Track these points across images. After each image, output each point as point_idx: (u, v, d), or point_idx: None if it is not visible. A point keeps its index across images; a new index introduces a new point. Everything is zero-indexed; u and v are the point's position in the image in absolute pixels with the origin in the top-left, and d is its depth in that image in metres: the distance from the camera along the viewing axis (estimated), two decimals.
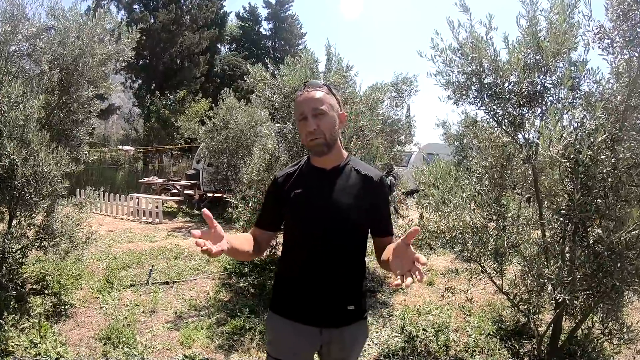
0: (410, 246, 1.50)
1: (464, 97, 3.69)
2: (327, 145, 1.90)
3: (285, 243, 2.07)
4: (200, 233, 1.42)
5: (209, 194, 13.66)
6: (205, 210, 1.49)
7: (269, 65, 6.04)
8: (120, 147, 24.37)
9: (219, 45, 33.03)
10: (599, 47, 3.08)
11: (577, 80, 3.24)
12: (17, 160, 4.02)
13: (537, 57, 3.26)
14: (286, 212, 1.99)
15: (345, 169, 2.00)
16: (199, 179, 14.03)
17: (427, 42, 3.63)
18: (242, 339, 4.38)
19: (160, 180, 15.23)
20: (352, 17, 76.41)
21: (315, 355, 2.06)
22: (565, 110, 2.97)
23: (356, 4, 77.55)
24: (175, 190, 14.19)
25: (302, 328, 1.94)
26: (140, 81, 26.90)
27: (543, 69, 3.28)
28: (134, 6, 25.68)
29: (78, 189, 10.10)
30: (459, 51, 3.54)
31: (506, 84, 3.47)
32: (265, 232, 2.05)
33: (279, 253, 6.86)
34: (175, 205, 13.40)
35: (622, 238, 2.71)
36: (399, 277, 1.44)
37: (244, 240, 1.89)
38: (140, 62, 25.27)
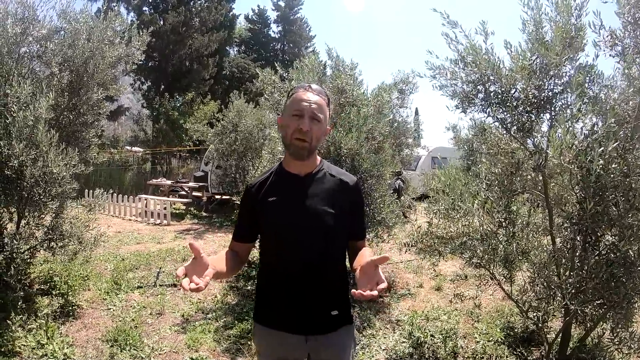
0: (378, 268, 1.48)
1: (471, 106, 3.67)
2: (309, 151, 1.88)
3: (263, 252, 2.03)
4: (184, 270, 1.43)
5: (217, 196, 13.69)
6: (193, 243, 1.51)
7: (278, 69, 6.04)
8: (128, 148, 24.48)
9: (227, 48, 33.17)
10: (610, 55, 3.05)
11: (586, 85, 3.20)
12: (26, 161, 4.04)
13: (544, 62, 3.22)
14: (262, 221, 1.94)
15: (319, 174, 1.97)
16: (207, 180, 14.06)
17: (430, 38, 3.62)
18: (249, 342, 4.37)
19: (169, 182, 15.28)
20: (356, 10, 76.45)
21: None
22: (575, 119, 2.93)
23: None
24: (183, 192, 14.22)
25: (288, 337, 1.92)
26: (149, 83, 27.08)
27: (551, 73, 3.24)
28: (143, 8, 25.85)
29: (87, 190, 10.13)
30: (461, 62, 3.51)
31: (512, 91, 3.44)
32: (244, 245, 2.03)
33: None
34: (183, 207, 13.45)
35: (636, 247, 2.68)
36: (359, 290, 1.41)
37: (226, 259, 1.88)
38: (150, 64, 25.41)
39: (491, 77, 3.47)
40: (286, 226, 1.88)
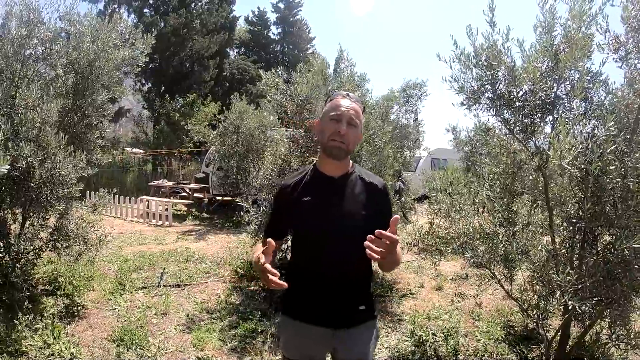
0: (393, 233, 1.60)
1: (476, 104, 3.72)
2: (346, 153, 1.98)
3: (295, 248, 2.14)
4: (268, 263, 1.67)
5: (219, 198, 13.72)
6: (271, 240, 1.69)
7: (279, 72, 6.09)
8: (129, 149, 24.50)
9: (228, 50, 33.19)
10: (613, 59, 3.10)
11: (590, 90, 3.26)
12: (34, 162, 4.08)
13: (553, 66, 3.27)
14: (295, 219, 2.04)
15: (351, 177, 2.07)
16: (208, 182, 14.09)
17: (437, 43, 3.65)
18: (254, 341, 4.41)
19: (170, 183, 15.32)
20: (362, 13, 76.36)
21: (328, 356, 2.12)
22: (577, 121, 2.99)
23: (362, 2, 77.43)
24: (184, 194, 14.26)
25: (315, 330, 2.00)
26: (150, 84, 27.12)
27: (557, 78, 3.29)
28: (145, 10, 25.88)
29: (88, 191, 10.17)
30: (475, 58, 3.56)
31: (519, 93, 3.48)
32: (275, 241, 2.07)
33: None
34: (185, 209, 13.48)
35: (632, 247, 2.73)
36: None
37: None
38: (150, 66, 25.44)
39: (501, 77, 3.52)
40: (319, 225, 1.98)
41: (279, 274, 1.63)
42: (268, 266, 1.63)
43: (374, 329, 2.12)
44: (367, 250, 1.56)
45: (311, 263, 2.02)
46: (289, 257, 2.36)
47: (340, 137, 1.93)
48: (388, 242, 1.56)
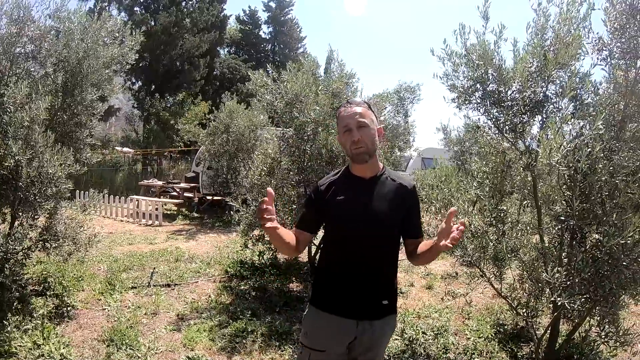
0: (451, 222, 1.89)
1: (467, 102, 3.74)
2: (368, 154, 2.11)
3: (326, 244, 2.32)
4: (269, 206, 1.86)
5: (209, 197, 13.68)
6: (270, 189, 1.90)
7: (269, 70, 6.08)
8: (119, 148, 24.36)
9: (218, 48, 33.04)
10: (597, 57, 3.17)
11: (578, 91, 3.30)
12: (22, 161, 4.05)
13: (542, 67, 3.31)
14: (328, 217, 2.21)
15: (381, 178, 2.21)
16: (198, 181, 14.04)
17: (429, 43, 3.65)
18: (244, 341, 4.42)
19: (160, 183, 15.24)
20: (356, 14, 76.28)
21: None
22: (566, 120, 3.02)
23: (356, 3, 77.39)
24: (174, 193, 14.20)
25: (340, 320, 2.13)
26: (140, 83, 26.88)
27: (547, 78, 3.33)
28: (135, 8, 25.69)
29: (78, 191, 10.11)
30: (466, 57, 3.59)
31: (509, 92, 3.51)
32: (305, 234, 2.25)
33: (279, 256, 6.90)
34: (175, 208, 13.43)
35: (620, 244, 2.76)
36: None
37: (288, 233, 2.16)
38: (141, 64, 25.21)
39: (491, 76, 3.55)
40: (351, 222, 2.13)
41: (274, 210, 1.88)
42: (268, 206, 1.85)
43: (392, 324, 2.28)
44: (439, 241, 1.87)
45: (341, 258, 2.17)
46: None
47: (357, 144, 2.07)
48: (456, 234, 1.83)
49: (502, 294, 4.16)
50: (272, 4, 38.37)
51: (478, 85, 3.61)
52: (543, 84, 3.37)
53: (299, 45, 39.98)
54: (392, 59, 78.61)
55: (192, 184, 14.14)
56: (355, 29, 76.91)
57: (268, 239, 6.71)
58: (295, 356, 4.01)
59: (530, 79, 3.35)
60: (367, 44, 79.65)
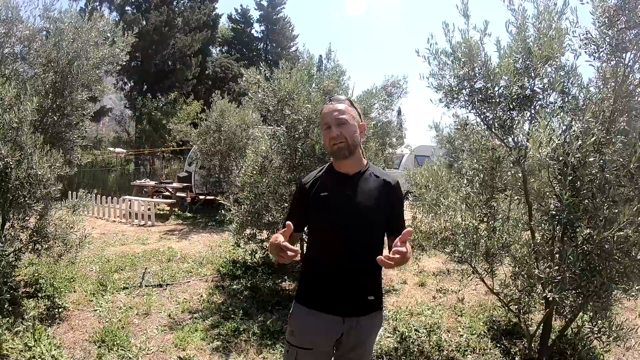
0: (406, 243, 1.75)
1: (455, 101, 3.75)
2: (348, 150, 2.12)
3: (311, 241, 2.33)
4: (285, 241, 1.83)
5: (201, 197, 13.65)
6: (290, 223, 1.90)
7: (262, 69, 6.06)
8: (111, 149, 24.24)
9: (210, 48, 32.98)
10: (585, 52, 3.17)
11: (565, 84, 3.31)
12: (11, 162, 4.02)
13: (527, 62, 3.33)
14: (313, 213, 2.21)
15: (365, 174, 2.22)
16: (191, 181, 14.01)
17: (417, 43, 3.66)
18: (236, 340, 4.41)
19: (152, 183, 15.17)
20: (353, 14, 76.39)
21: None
22: (554, 114, 3.04)
23: (356, 3, 77.41)
24: (167, 193, 14.15)
25: (326, 317, 2.13)
26: (132, 83, 26.79)
27: (532, 73, 3.34)
28: (126, 8, 25.59)
29: (70, 192, 10.06)
30: (452, 55, 3.60)
31: (496, 88, 3.53)
32: (294, 233, 2.19)
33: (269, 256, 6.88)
34: (168, 208, 13.38)
35: (611, 237, 2.77)
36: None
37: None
38: (132, 64, 25.11)
39: (478, 74, 3.56)
40: (335, 218, 2.14)
41: (295, 248, 1.79)
42: (285, 243, 1.79)
43: (379, 320, 2.28)
44: (377, 258, 1.69)
45: (326, 254, 2.18)
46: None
47: (335, 139, 2.09)
48: (398, 255, 1.67)
49: (494, 290, 4.17)
50: (264, 3, 38.28)
51: (465, 83, 3.63)
52: (530, 79, 3.38)
53: (292, 44, 39.92)
54: (390, 57, 79.00)
55: (185, 184, 14.11)
56: (352, 28, 77.09)
57: (260, 238, 6.72)
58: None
59: (517, 74, 3.37)
60: (364, 43, 79.98)
